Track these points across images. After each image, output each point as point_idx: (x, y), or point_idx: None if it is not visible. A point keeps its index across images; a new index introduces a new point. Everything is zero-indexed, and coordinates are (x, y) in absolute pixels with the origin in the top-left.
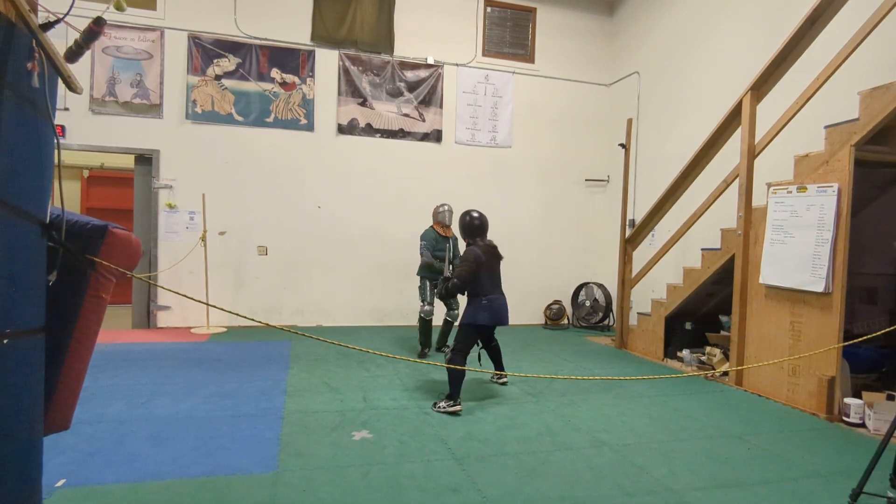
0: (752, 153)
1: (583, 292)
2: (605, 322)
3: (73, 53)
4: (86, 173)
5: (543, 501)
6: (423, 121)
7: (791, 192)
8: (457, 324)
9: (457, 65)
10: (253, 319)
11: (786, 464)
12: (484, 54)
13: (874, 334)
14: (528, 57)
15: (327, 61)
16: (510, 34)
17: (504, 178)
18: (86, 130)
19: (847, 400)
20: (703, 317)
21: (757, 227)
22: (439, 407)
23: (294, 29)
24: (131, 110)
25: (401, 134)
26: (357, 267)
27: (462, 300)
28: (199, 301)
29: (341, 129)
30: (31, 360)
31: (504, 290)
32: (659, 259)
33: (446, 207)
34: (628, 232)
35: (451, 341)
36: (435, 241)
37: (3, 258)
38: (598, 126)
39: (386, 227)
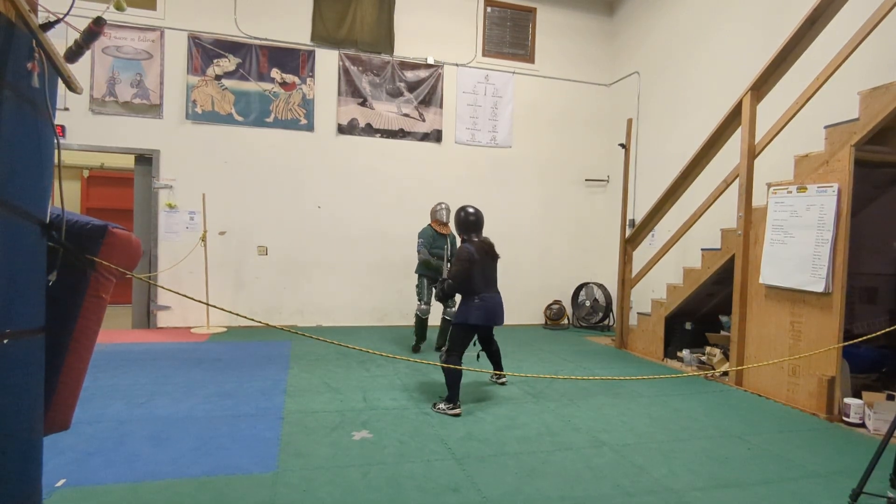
0: (752, 153)
1: (583, 292)
2: (605, 322)
3: (73, 53)
4: (86, 173)
5: (543, 501)
6: (423, 121)
7: (791, 192)
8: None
9: (457, 65)
10: (253, 319)
11: (786, 464)
12: (484, 54)
13: (874, 334)
14: (528, 57)
15: (327, 61)
16: (510, 34)
17: (504, 178)
18: (86, 130)
19: (847, 400)
20: (703, 317)
21: (757, 227)
22: (439, 409)
23: (294, 29)
24: (131, 110)
25: (401, 134)
26: (357, 267)
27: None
28: (199, 301)
29: (341, 129)
30: (31, 360)
31: (504, 290)
32: (659, 259)
33: (443, 206)
34: (628, 232)
35: None
36: (432, 239)
37: (3, 258)
38: (598, 126)
39: (386, 227)
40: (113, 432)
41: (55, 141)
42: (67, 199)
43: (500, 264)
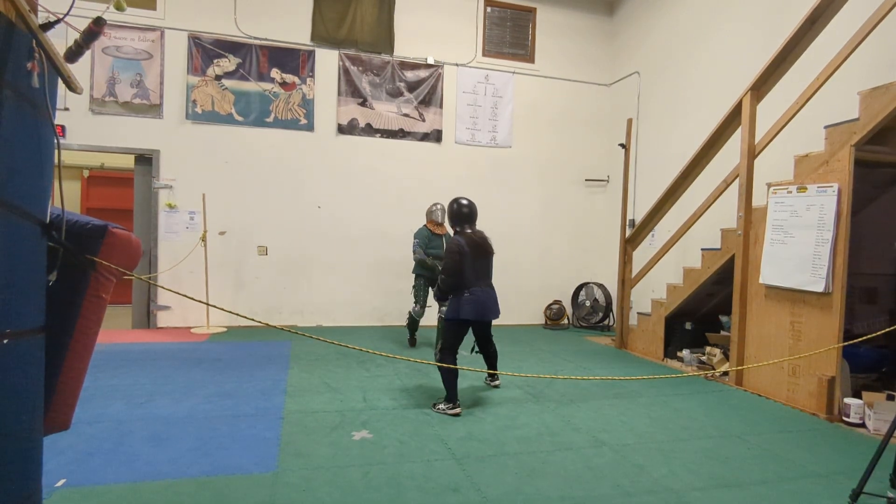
0: (752, 153)
1: (583, 292)
2: (605, 322)
3: (73, 53)
4: (86, 173)
5: (543, 501)
6: (423, 121)
7: (791, 192)
8: None
9: (457, 65)
10: (253, 319)
11: (786, 464)
12: (484, 54)
13: (874, 334)
14: (528, 57)
15: (327, 61)
16: (510, 34)
17: (504, 178)
18: (86, 130)
19: (847, 400)
20: (703, 317)
21: (757, 227)
22: (439, 409)
23: (294, 29)
24: (131, 110)
25: (401, 134)
26: (357, 267)
27: None
28: (199, 301)
29: (341, 129)
30: (31, 360)
31: (504, 289)
32: (659, 259)
33: (438, 206)
34: (628, 232)
35: None
36: (427, 239)
37: (3, 258)
38: (598, 126)
39: (386, 227)
40: (113, 432)
41: (55, 141)
42: (67, 199)
43: (499, 264)
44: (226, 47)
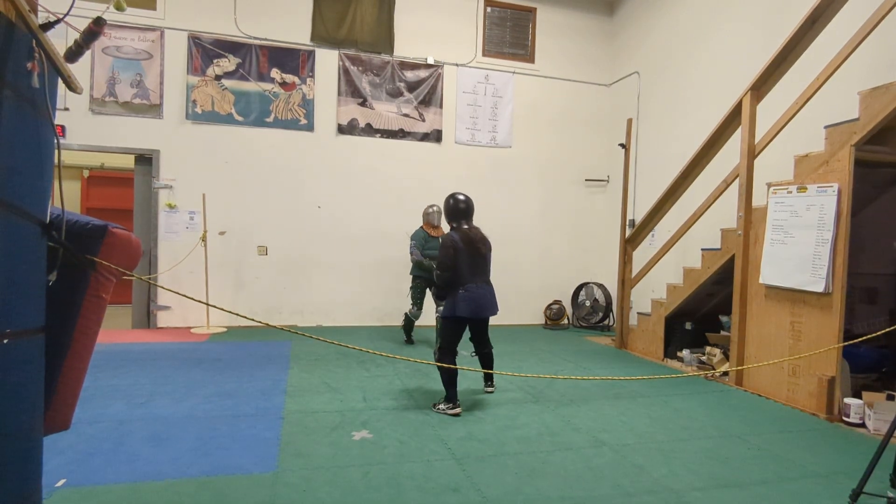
0: (752, 153)
1: (583, 292)
2: (605, 322)
3: (73, 53)
4: (86, 173)
5: (543, 501)
6: (423, 121)
7: (791, 192)
8: None
9: (457, 65)
10: (253, 319)
11: (786, 464)
12: (484, 54)
13: (874, 334)
14: (528, 57)
15: (327, 61)
16: (510, 34)
17: (504, 178)
18: (86, 130)
19: (847, 400)
20: (703, 317)
21: (757, 227)
22: (439, 409)
23: (294, 29)
24: (131, 110)
25: (401, 134)
26: (357, 267)
27: None
28: (199, 301)
29: (341, 129)
30: (31, 360)
31: (504, 289)
32: (659, 259)
33: (435, 208)
34: (628, 232)
35: None
36: (424, 241)
37: (3, 258)
38: (598, 126)
39: (386, 227)
40: (113, 432)
41: (55, 141)
42: (67, 199)
43: (499, 264)
44: (226, 47)
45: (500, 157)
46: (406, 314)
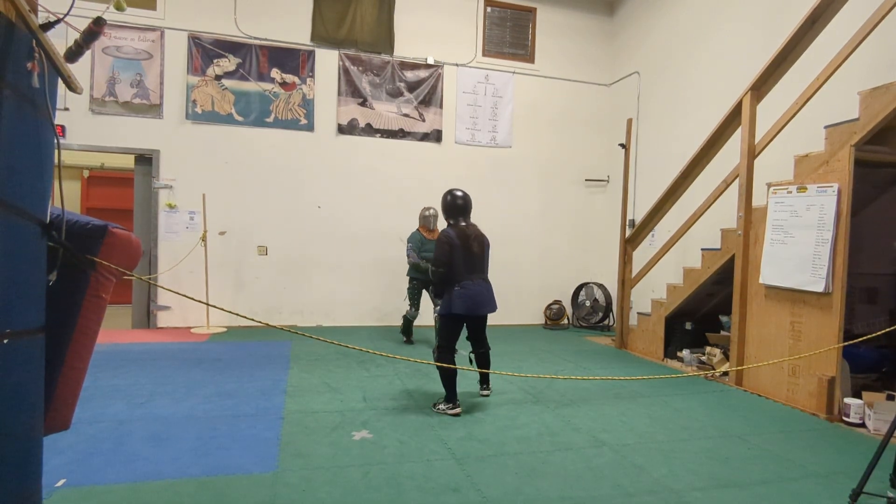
0: (752, 153)
1: (583, 292)
2: (605, 322)
3: (73, 53)
4: (86, 173)
5: (543, 501)
6: (423, 121)
7: (791, 192)
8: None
9: (457, 65)
10: (253, 319)
11: (786, 464)
12: (484, 54)
13: (874, 334)
14: (528, 57)
15: (327, 61)
16: (510, 34)
17: (504, 178)
18: (86, 130)
19: (847, 400)
20: (703, 317)
21: (757, 227)
22: (439, 409)
23: (294, 29)
24: (131, 110)
25: (401, 134)
26: (357, 267)
27: None
28: (199, 301)
29: (341, 129)
30: (31, 360)
31: (504, 289)
32: (659, 259)
33: (431, 211)
34: (628, 232)
35: None
36: (420, 244)
37: (3, 258)
38: (598, 126)
39: (386, 227)
40: (113, 432)
41: (55, 141)
42: (67, 199)
43: (499, 264)
44: (226, 47)
45: (500, 157)
46: (404, 315)
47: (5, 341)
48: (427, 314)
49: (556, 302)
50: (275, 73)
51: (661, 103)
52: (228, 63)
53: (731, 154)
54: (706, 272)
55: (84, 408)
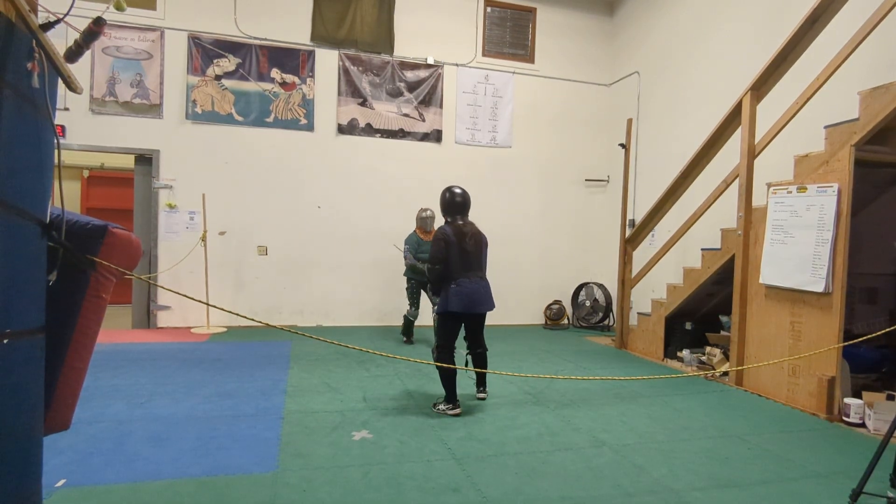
0: (752, 153)
1: (583, 292)
2: (605, 322)
3: (73, 53)
4: (86, 173)
5: (543, 501)
6: (423, 121)
7: (791, 192)
8: None
9: (457, 65)
10: (253, 319)
11: (786, 464)
12: (484, 54)
13: (874, 334)
14: (528, 57)
15: (327, 61)
16: (510, 34)
17: (504, 178)
18: (86, 130)
19: (847, 400)
20: (703, 317)
21: (757, 227)
22: (439, 409)
23: (294, 29)
24: (131, 110)
25: (401, 134)
26: (357, 267)
27: None
28: (199, 301)
29: (341, 129)
30: (31, 360)
31: (504, 289)
32: (659, 259)
33: (429, 213)
34: (628, 232)
35: None
36: (417, 245)
37: (3, 258)
38: (598, 126)
39: (386, 227)
40: (113, 432)
41: (55, 141)
42: (67, 199)
43: (499, 264)
44: (226, 47)
45: (500, 157)
46: (405, 316)
47: (5, 341)
48: (427, 314)
49: (556, 302)
50: (275, 73)
51: (661, 103)
52: (228, 63)
53: (731, 154)
54: (706, 272)
55: (84, 408)
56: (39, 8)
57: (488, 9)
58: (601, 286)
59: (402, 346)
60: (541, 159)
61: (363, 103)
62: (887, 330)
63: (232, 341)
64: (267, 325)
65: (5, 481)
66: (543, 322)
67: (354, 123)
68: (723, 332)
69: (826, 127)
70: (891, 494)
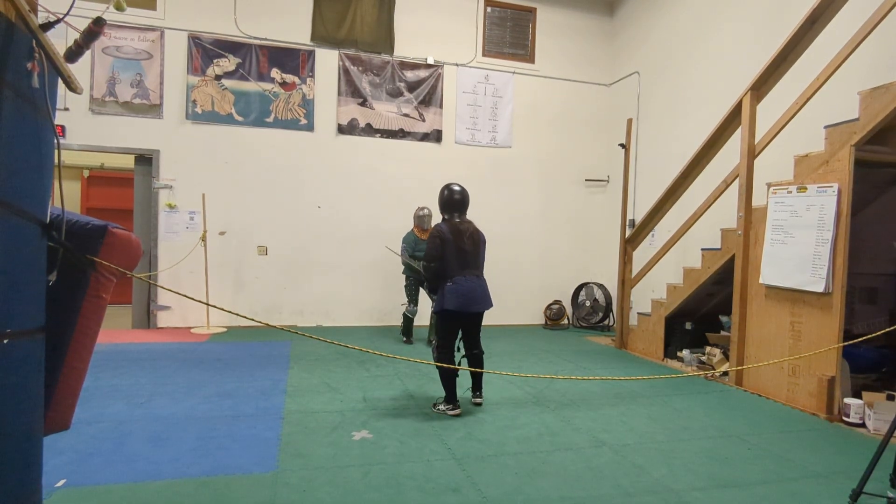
0: (752, 153)
1: (583, 292)
2: (605, 322)
3: (73, 53)
4: (86, 173)
5: (543, 501)
6: (423, 121)
7: (791, 192)
8: None
9: (457, 65)
10: (253, 319)
11: (786, 464)
12: (484, 54)
13: (874, 334)
14: (528, 57)
15: (327, 61)
16: (510, 34)
17: (504, 178)
18: (86, 130)
19: (847, 400)
20: (703, 317)
21: (757, 227)
22: (439, 409)
23: (294, 29)
24: (131, 110)
25: (401, 134)
26: (357, 267)
27: None
28: (199, 301)
29: (341, 129)
30: (31, 360)
31: (504, 289)
32: (659, 259)
33: (426, 211)
34: (628, 232)
35: None
36: (414, 244)
37: (3, 258)
38: (598, 126)
39: (386, 226)
40: (113, 432)
41: (55, 141)
42: (67, 199)
43: (499, 264)
44: (226, 47)
45: (500, 157)
46: (404, 314)
47: (5, 341)
48: (426, 313)
49: (556, 302)
50: (275, 73)
51: (661, 103)
52: (228, 63)
53: (731, 154)
54: (706, 272)
55: (84, 408)
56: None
57: (488, 9)
58: (601, 286)
59: (402, 346)
60: (541, 159)
61: (363, 103)
62: (887, 330)
63: (232, 341)
64: (267, 325)
65: (5, 481)
66: (543, 322)
67: (354, 123)
68: (723, 332)
69: (826, 127)
70: (891, 494)
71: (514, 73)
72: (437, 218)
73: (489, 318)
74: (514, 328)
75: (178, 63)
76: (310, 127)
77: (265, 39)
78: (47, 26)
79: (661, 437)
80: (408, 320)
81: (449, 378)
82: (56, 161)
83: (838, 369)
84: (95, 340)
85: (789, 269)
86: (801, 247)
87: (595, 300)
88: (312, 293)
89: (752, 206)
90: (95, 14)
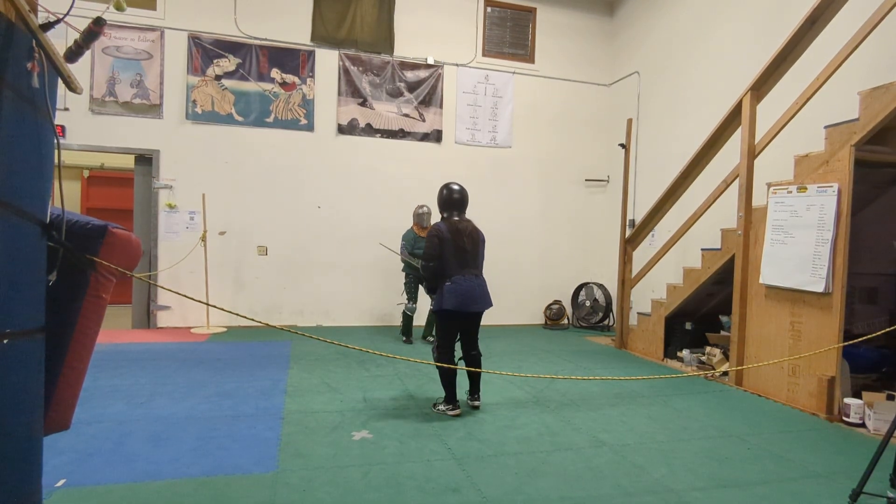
0: (752, 153)
1: (583, 292)
2: (605, 322)
3: (73, 53)
4: (86, 173)
5: (543, 501)
6: (423, 121)
7: (791, 192)
8: None
9: (457, 65)
10: (253, 319)
11: (786, 464)
12: (484, 54)
13: (874, 334)
14: (528, 57)
15: (327, 61)
16: (510, 34)
17: (504, 178)
18: (86, 130)
19: (847, 400)
20: (703, 317)
21: (757, 227)
22: (439, 409)
23: (294, 29)
24: (131, 110)
25: (401, 134)
26: (357, 267)
27: None
28: (199, 301)
29: (341, 130)
30: (31, 360)
31: (504, 289)
32: (659, 259)
33: (425, 209)
34: (628, 232)
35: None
36: (413, 241)
37: (3, 258)
38: (598, 126)
39: (386, 227)
40: (113, 432)
41: (55, 141)
42: (67, 199)
43: (499, 264)
44: (226, 47)
45: (500, 157)
46: (403, 312)
47: (5, 341)
48: (425, 313)
49: (556, 302)
50: (275, 73)
51: (661, 103)
52: (228, 63)
53: (731, 154)
54: (706, 272)
55: (84, 408)
56: (39, 8)
57: (488, 9)
58: (601, 286)
59: (402, 346)
60: (541, 159)
61: (363, 103)
62: (887, 330)
63: (232, 341)
64: (267, 325)
65: (5, 481)
66: (543, 322)
67: (354, 123)
68: (723, 332)
69: (826, 127)
70: (891, 494)
71: (514, 73)
72: (436, 216)
73: (489, 318)
74: (514, 328)
75: (178, 63)
76: (310, 127)
77: (265, 39)
78: (47, 26)
79: (661, 437)
80: (407, 319)
81: (449, 378)
82: (56, 161)
83: (838, 369)
84: (95, 340)
85: (789, 269)
86: (801, 247)
87: (595, 300)
88: (312, 293)
89: (752, 206)
90: (95, 14)
